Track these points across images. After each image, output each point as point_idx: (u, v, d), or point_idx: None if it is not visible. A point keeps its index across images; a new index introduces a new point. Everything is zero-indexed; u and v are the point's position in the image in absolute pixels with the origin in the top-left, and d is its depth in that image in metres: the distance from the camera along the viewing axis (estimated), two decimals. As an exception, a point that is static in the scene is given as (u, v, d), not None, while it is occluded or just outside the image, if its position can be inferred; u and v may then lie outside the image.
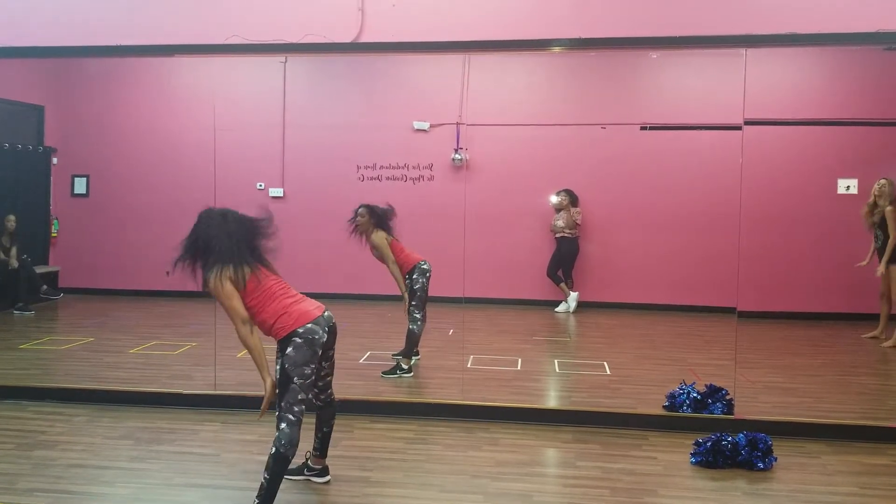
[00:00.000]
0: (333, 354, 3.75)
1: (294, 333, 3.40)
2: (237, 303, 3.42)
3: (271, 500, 3.36)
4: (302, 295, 3.60)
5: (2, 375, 5.78)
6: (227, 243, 3.44)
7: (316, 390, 3.77)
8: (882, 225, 7.10)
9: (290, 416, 3.39)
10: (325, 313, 3.55)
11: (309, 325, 3.42)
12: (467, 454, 4.37)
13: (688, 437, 4.53)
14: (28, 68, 8.61)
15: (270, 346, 3.48)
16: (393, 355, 6.25)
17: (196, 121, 7.53)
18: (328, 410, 3.89)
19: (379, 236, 6.03)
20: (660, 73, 9.05)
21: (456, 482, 3.98)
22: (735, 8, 5.01)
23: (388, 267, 6.04)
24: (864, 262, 7.32)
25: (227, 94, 8.23)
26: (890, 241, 6.99)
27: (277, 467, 3.36)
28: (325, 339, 3.48)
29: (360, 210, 6.09)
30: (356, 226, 6.09)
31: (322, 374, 3.73)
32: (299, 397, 3.40)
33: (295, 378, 3.38)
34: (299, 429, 3.41)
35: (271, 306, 3.45)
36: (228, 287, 3.41)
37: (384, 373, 5.98)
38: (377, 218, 6.09)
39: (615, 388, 5.72)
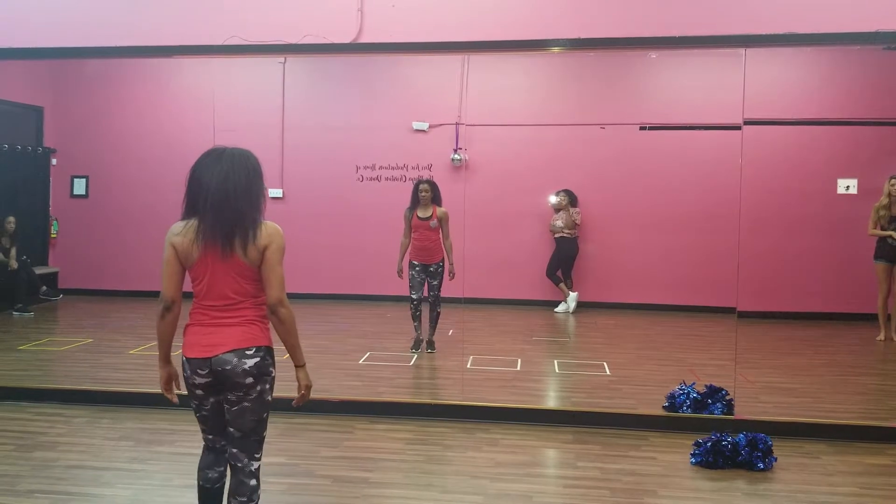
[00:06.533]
0: (241, 406, 2.77)
1: (182, 359, 2.86)
2: (165, 270, 2.81)
3: None
4: (214, 319, 2.78)
5: (1, 376, 5.77)
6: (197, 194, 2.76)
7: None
8: None
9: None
10: (215, 357, 2.73)
11: (183, 359, 2.83)
12: (467, 455, 4.37)
13: (688, 437, 4.53)
14: (27, 69, 8.60)
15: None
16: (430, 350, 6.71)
17: (195, 121, 7.51)
18: (232, 480, 2.88)
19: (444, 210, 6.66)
20: (659, 73, 9.05)
21: (456, 483, 3.97)
22: (734, 8, 5.00)
23: (444, 238, 6.59)
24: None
25: (226, 94, 8.23)
26: None
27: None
28: (197, 383, 2.79)
29: (424, 185, 6.59)
30: (422, 198, 6.57)
31: (227, 418, 2.84)
32: (199, 426, 2.97)
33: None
34: (206, 452, 2.99)
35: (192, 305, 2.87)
36: (167, 252, 2.80)
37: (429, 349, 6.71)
38: (436, 193, 6.62)
39: (615, 389, 5.71)
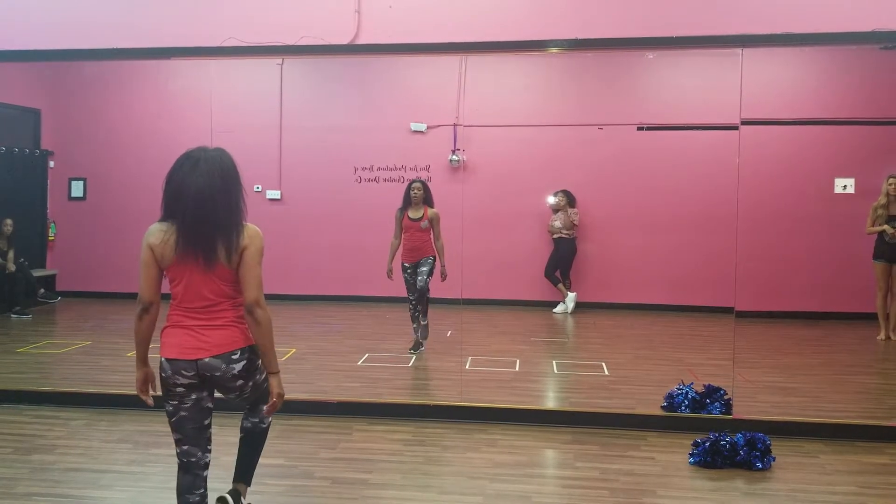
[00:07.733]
0: (245, 391, 2.90)
1: (161, 360, 2.83)
2: (142, 272, 2.77)
3: None
4: (194, 320, 2.78)
5: (-1, 379, 5.78)
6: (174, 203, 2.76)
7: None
8: None
9: (176, 459, 2.91)
10: (201, 361, 2.75)
11: (163, 360, 2.80)
12: (466, 455, 4.37)
13: (686, 437, 4.53)
14: (24, 71, 8.60)
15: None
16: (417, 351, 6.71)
17: (193, 123, 7.50)
18: (247, 423, 3.17)
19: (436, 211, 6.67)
20: (656, 74, 9.05)
21: (454, 484, 3.97)
22: (731, 8, 5.01)
23: (435, 239, 6.61)
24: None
25: (223, 96, 8.21)
26: None
27: None
28: (179, 382, 2.77)
29: (416, 184, 6.60)
30: (413, 197, 6.58)
31: (239, 401, 3.03)
32: (174, 437, 2.85)
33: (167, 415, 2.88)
34: (182, 474, 2.88)
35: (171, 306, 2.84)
36: (145, 255, 2.76)
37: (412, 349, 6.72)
38: (428, 194, 6.64)
39: (613, 389, 5.71)
